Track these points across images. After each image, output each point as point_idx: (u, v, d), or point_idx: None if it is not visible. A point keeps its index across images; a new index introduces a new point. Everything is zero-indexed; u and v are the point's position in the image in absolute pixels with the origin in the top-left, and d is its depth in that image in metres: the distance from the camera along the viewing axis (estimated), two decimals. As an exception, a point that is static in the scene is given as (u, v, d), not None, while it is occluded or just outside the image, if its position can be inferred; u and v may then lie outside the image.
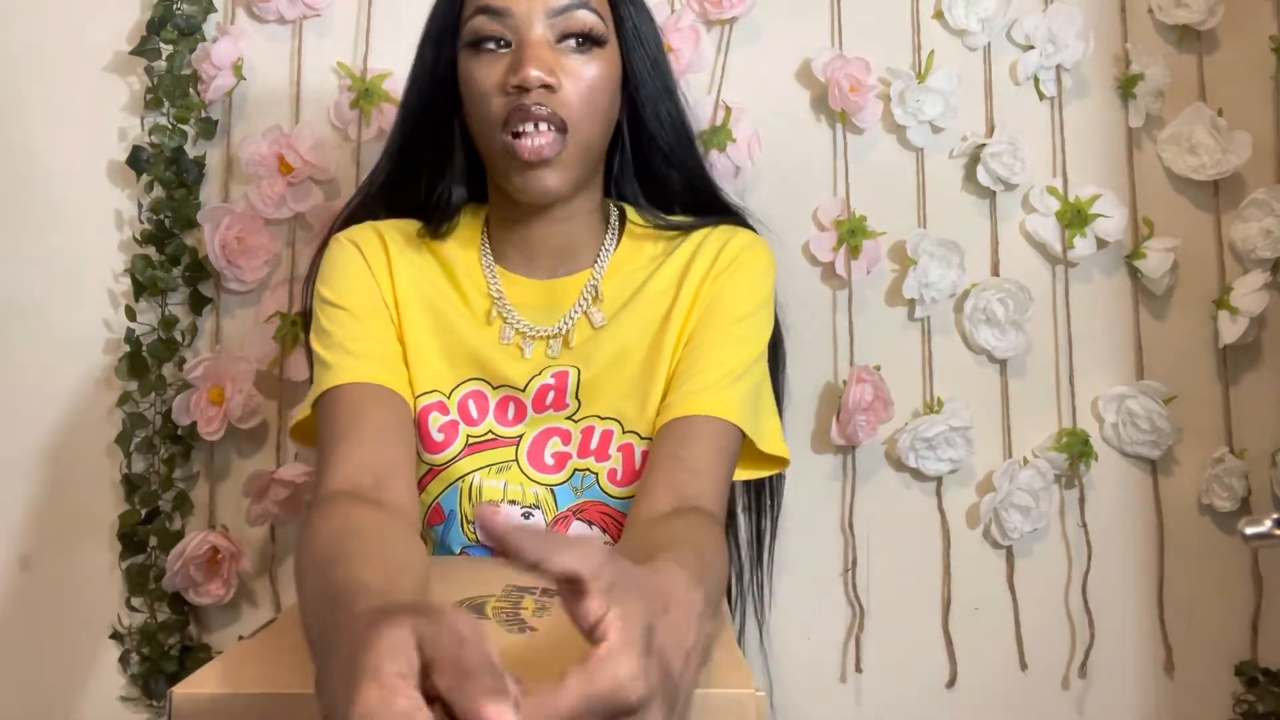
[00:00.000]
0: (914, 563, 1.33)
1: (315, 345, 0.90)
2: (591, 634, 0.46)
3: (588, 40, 0.86)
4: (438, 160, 0.95)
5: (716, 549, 0.75)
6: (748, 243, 0.94)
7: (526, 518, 0.91)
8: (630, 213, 0.97)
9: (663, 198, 0.99)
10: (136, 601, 1.28)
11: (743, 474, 0.92)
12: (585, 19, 0.85)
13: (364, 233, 0.94)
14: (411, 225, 0.96)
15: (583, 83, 0.85)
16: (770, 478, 1.12)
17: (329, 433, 0.84)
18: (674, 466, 0.83)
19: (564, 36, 0.85)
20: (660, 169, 0.96)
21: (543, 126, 0.83)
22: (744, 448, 0.89)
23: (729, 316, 0.90)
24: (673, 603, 0.51)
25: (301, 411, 0.92)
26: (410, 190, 0.97)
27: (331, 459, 0.82)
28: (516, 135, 0.83)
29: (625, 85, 0.91)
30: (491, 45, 0.85)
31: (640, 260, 0.95)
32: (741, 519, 1.18)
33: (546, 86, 0.83)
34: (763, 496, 1.13)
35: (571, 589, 0.46)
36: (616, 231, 0.96)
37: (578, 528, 0.91)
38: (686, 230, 0.95)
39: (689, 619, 0.52)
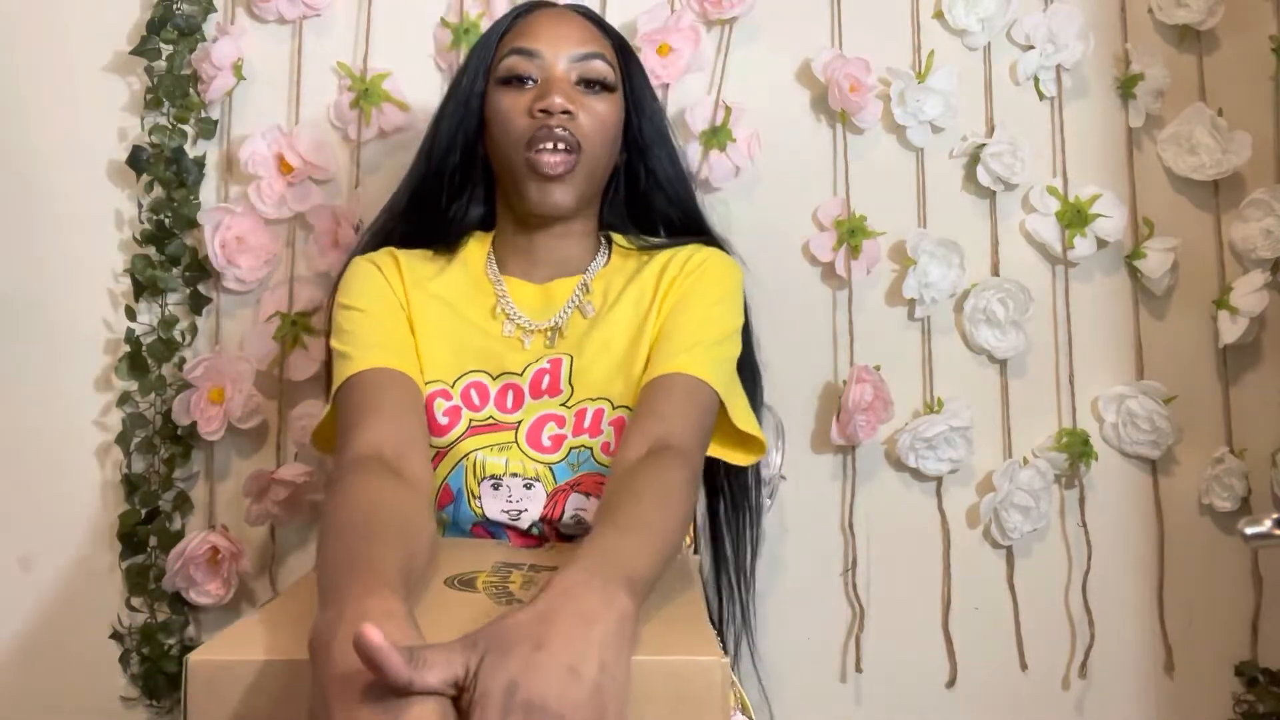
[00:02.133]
0: (914, 563, 1.33)
1: (335, 344, 0.97)
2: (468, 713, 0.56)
3: (601, 85, 1.00)
4: (460, 183, 1.06)
5: (677, 484, 0.82)
6: (711, 254, 1.04)
7: (528, 488, 0.95)
8: (617, 238, 1.08)
9: (648, 223, 1.10)
10: (136, 601, 1.28)
11: (723, 453, 0.98)
12: (600, 67, 1.00)
13: (379, 254, 1.04)
14: (425, 252, 1.05)
15: (595, 115, 0.99)
16: (749, 510, 1.14)
17: (349, 412, 0.90)
18: (648, 418, 0.90)
19: (581, 79, 1.00)
20: (660, 206, 1.10)
21: (560, 146, 0.96)
22: (722, 427, 0.95)
23: (698, 304, 0.99)
24: (551, 628, 0.59)
25: (323, 415, 0.98)
26: (430, 213, 1.06)
27: (354, 431, 0.88)
28: (537, 152, 0.96)
29: (627, 132, 1.06)
30: (520, 81, 0.99)
31: (625, 270, 1.04)
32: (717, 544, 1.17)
33: (567, 112, 0.97)
34: (743, 527, 1.15)
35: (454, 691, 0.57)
36: (606, 251, 1.07)
37: (576, 500, 0.96)
38: (662, 248, 1.05)
39: (572, 631, 0.59)
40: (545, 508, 0.95)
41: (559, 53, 0.99)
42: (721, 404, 0.94)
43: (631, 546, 0.70)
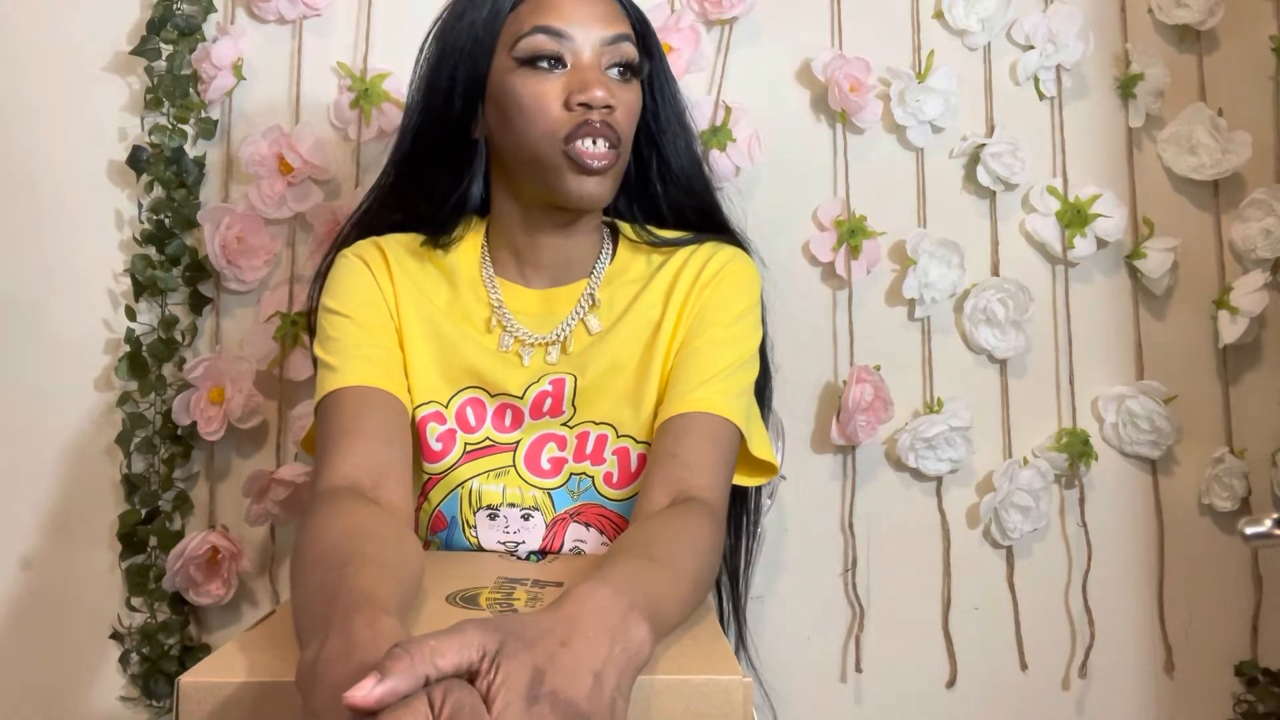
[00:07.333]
0: (914, 563, 1.33)
1: (319, 353, 0.92)
2: (485, 702, 0.52)
3: (629, 69, 0.92)
4: (454, 168, 0.97)
5: (707, 539, 0.78)
6: (730, 257, 0.97)
7: (526, 519, 0.92)
8: (624, 228, 1.01)
9: (658, 216, 1.03)
10: (136, 601, 1.28)
11: (735, 478, 0.93)
12: (629, 50, 0.91)
13: (367, 248, 0.97)
14: (414, 239, 0.98)
15: (628, 106, 0.91)
16: (747, 511, 1.12)
17: (329, 432, 0.86)
18: (670, 463, 0.85)
19: (611, 65, 0.90)
20: (673, 197, 1.01)
21: (601, 142, 0.88)
22: (739, 451, 0.91)
23: (716, 323, 0.93)
24: (575, 631, 0.57)
25: (311, 425, 0.94)
26: (418, 197, 0.99)
27: (331, 457, 0.84)
28: (580, 145, 0.88)
29: (642, 116, 0.96)
30: (546, 64, 0.89)
31: (633, 273, 0.98)
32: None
33: (608, 107, 0.88)
34: (740, 534, 1.12)
35: (470, 675, 0.53)
36: (611, 245, 1.00)
37: (575, 530, 0.93)
38: (675, 246, 0.98)
39: (596, 639, 0.57)
40: (544, 539, 0.92)
41: (589, 34, 0.89)
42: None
43: (662, 583, 0.67)
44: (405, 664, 0.50)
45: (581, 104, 0.87)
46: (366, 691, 0.49)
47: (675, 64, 1.28)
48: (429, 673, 0.51)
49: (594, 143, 0.87)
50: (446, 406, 0.93)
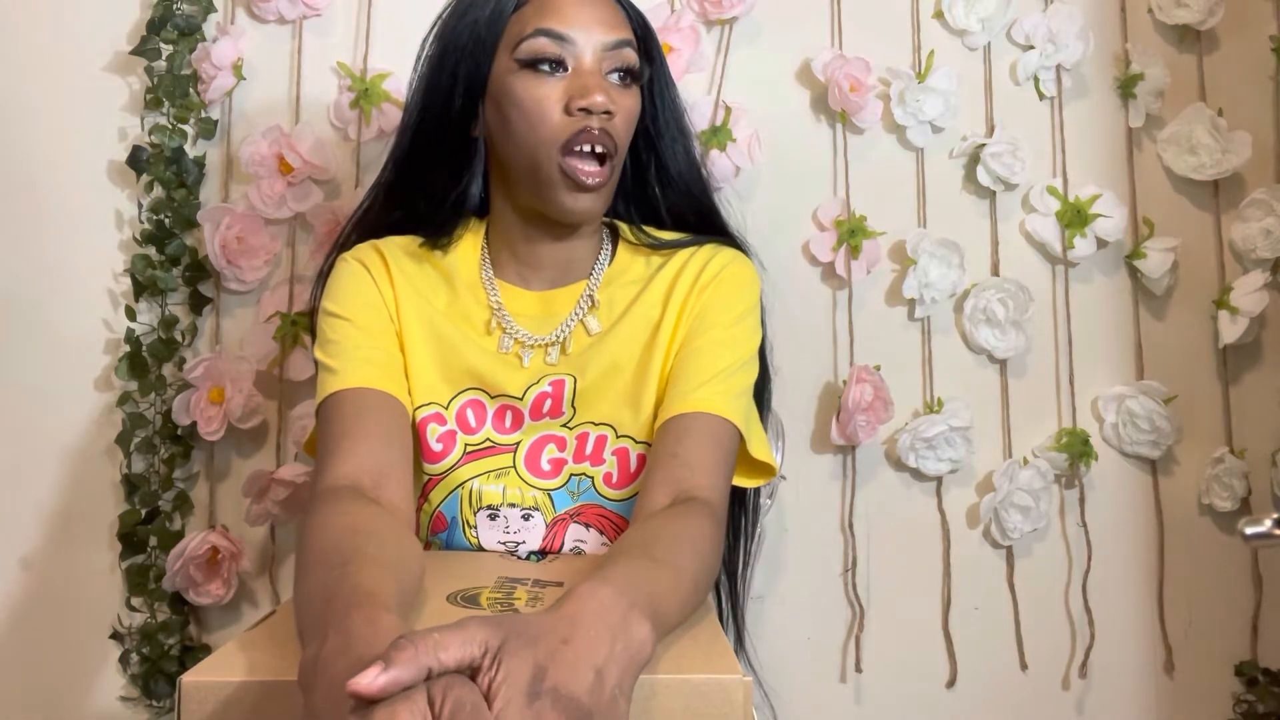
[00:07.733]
0: (914, 563, 1.33)
1: (319, 356, 0.92)
2: (486, 699, 0.52)
3: (630, 75, 0.92)
4: (453, 167, 0.97)
5: (708, 539, 0.79)
6: (730, 259, 0.97)
7: (526, 519, 0.93)
8: (623, 229, 1.01)
9: (656, 219, 1.03)
10: (136, 601, 1.28)
11: (734, 480, 0.93)
12: (630, 55, 0.91)
13: (367, 252, 0.97)
14: (413, 241, 0.98)
15: (627, 112, 0.91)
16: (746, 511, 1.13)
17: (330, 434, 0.87)
18: (670, 463, 0.86)
19: (612, 70, 0.90)
20: (671, 200, 1.02)
21: (599, 150, 0.88)
22: (738, 453, 0.91)
23: (716, 324, 0.93)
24: (577, 629, 0.57)
25: (313, 429, 0.94)
26: (417, 195, 0.99)
27: (332, 457, 0.84)
28: (575, 158, 0.88)
29: (640, 120, 0.96)
30: (547, 67, 0.89)
31: (632, 274, 0.98)
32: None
33: (607, 113, 0.88)
34: (739, 534, 1.12)
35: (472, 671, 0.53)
36: (611, 246, 1.00)
37: (575, 530, 0.93)
38: (675, 247, 0.99)
39: (598, 637, 0.57)
40: (544, 539, 0.93)
41: (591, 38, 0.89)
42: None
43: (663, 583, 0.67)
44: (409, 655, 0.51)
45: (581, 109, 0.87)
46: (370, 680, 0.49)
47: (675, 64, 1.28)
48: (432, 665, 0.51)
49: (591, 151, 0.88)
50: (447, 408, 0.94)
